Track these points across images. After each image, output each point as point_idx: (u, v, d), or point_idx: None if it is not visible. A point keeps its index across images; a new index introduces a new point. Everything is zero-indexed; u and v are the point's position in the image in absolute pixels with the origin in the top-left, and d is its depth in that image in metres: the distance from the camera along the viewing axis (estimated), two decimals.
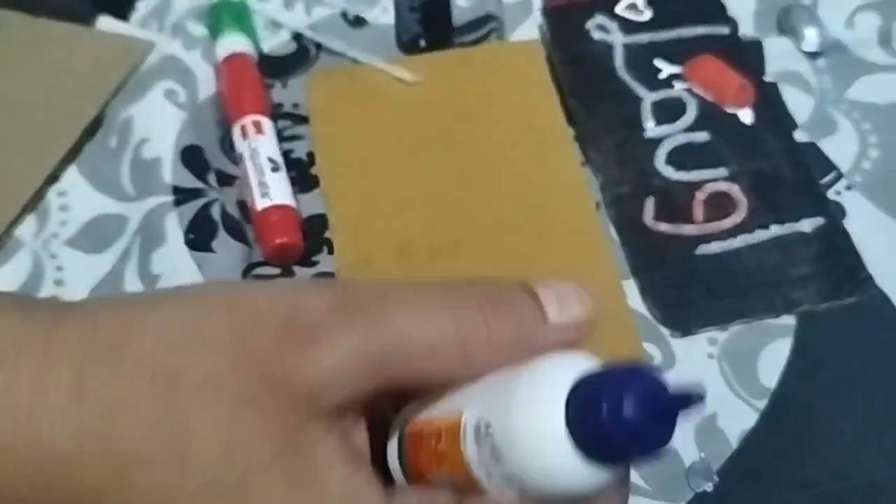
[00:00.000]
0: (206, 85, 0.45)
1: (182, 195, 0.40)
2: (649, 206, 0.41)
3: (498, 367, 0.22)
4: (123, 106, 0.44)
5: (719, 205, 0.41)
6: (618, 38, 0.46)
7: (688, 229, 0.40)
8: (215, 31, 0.46)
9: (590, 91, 0.44)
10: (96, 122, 0.44)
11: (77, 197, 0.42)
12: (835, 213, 0.41)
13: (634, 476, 0.33)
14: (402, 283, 0.24)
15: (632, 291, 0.39)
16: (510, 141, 0.42)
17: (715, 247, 0.39)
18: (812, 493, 0.33)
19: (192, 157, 0.42)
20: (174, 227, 0.39)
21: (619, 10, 0.47)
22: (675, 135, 0.43)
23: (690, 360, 0.36)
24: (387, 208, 0.39)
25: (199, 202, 0.40)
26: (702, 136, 0.43)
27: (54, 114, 0.44)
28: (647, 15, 0.47)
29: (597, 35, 0.46)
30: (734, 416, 0.35)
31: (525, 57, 0.45)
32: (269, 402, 0.20)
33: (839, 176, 0.42)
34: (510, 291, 0.23)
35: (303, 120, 0.44)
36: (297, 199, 0.40)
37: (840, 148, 0.43)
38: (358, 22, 0.48)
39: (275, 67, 0.46)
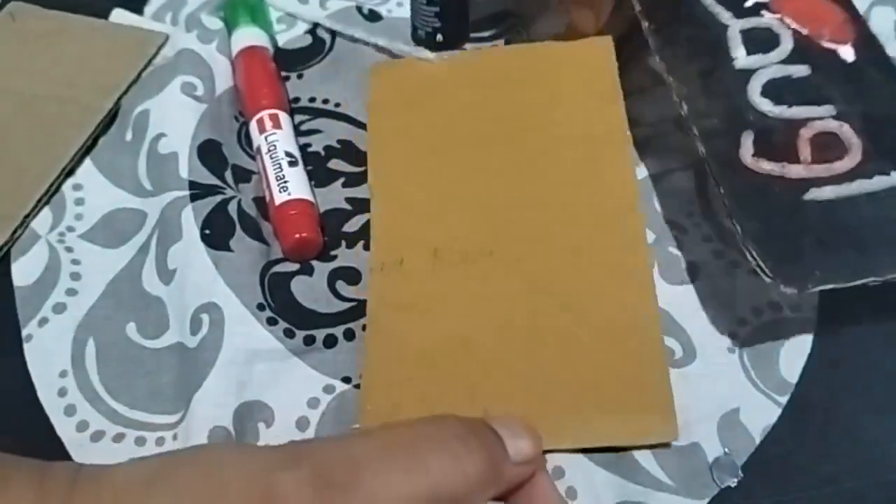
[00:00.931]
0: (223, 79, 0.45)
1: (198, 190, 0.40)
2: (747, 141, 0.36)
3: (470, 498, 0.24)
4: (139, 99, 0.43)
5: (829, 145, 0.36)
6: None
7: (795, 170, 0.35)
8: (231, 23, 0.46)
9: (667, 12, 0.39)
10: (112, 115, 0.44)
11: (93, 190, 0.42)
12: None
13: (658, 471, 0.32)
14: (370, 436, 0.26)
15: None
16: (564, 150, 0.39)
17: (829, 192, 0.34)
18: (835, 490, 0.33)
19: (209, 152, 0.41)
20: (189, 222, 0.39)
21: None
22: (770, 66, 0.38)
23: (710, 354, 0.36)
24: (426, 209, 0.38)
25: (216, 199, 0.40)
26: (801, 70, 0.38)
27: (69, 107, 0.44)
28: None
29: None
30: (756, 411, 0.34)
31: (593, 56, 0.41)
32: None
33: None
34: (481, 429, 0.26)
35: (320, 113, 0.44)
36: (315, 194, 0.40)
37: None
38: (373, 16, 0.48)
39: (290, 60, 0.46)
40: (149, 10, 0.48)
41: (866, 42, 0.39)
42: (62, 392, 0.36)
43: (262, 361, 0.36)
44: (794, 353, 0.36)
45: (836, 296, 0.37)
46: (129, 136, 0.43)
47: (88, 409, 0.35)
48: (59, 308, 0.38)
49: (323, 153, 0.42)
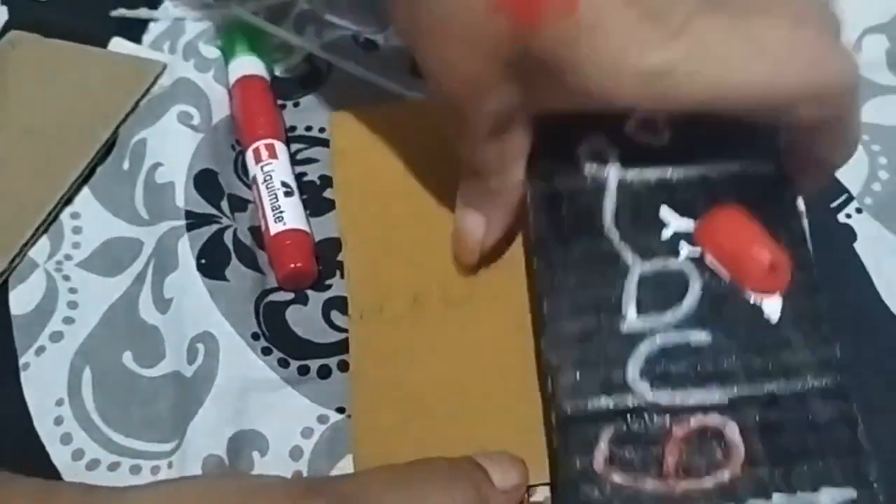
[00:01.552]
0: (220, 107, 0.45)
1: (194, 220, 0.40)
2: (603, 440, 0.29)
3: None
4: (137, 128, 0.44)
5: (704, 450, 0.28)
6: (614, 173, 0.33)
7: (650, 485, 0.28)
8: (228, 52, 0.46)
9: (561, 250, 0.32)
10: (109, 144, 0.44)
11: (90, 219, 0.42)
12: (876, 489, 0.28)
13: None
14: (374, 473, 0.30)
15: None
16: None
17: None
18: None
19: (205, 182, 0.42)
20: (186, 252, 0.39)
21: (630, 126, 0.33)
22: (662, 331, 0.30)
23: None
24: (402, 255, 0.38)
25: (212, 228, 0.40)
26: (700, 337, 0.30)
27: (67, 135, 0.44)
28: (664, 138, 0.33)
29: (587, 164, 0.33)
30: None
31: None
32: None
33: (850, 198, 0.42)
34: (466, 465, 0.30)
35: (316, 142, 0.44)
36: (310, 223, 0.41)
37: (849, 171, 0.43)
38: (369, 45, 0.48)
39: (287, 88, 0.47)
40: (147, 38, 0.49)
41: (801, 292, 0.31)
42: (58, 420, 0.36)
43: (256, 391, 0.36)
44: None
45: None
46: (126, 165, 0.43)
47: (84, 438, 0.36)
48: (57, 336, 0.38)
49: (318, 182, 0.43)
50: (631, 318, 0.30)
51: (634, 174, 0.33)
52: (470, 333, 0.36)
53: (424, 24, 0.30)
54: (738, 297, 0.31)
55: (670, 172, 0.33)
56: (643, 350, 0.30)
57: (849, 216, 0.42)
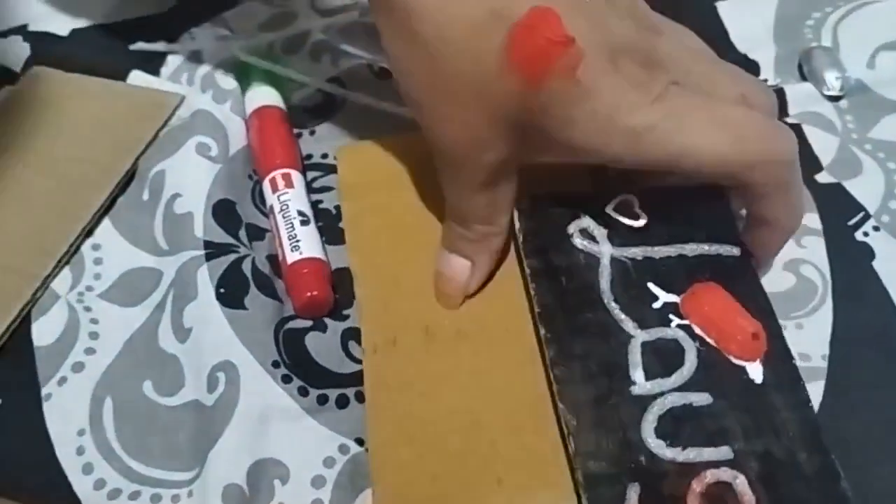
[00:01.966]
0: (237, 138, 0.46)
1: (213, 249, 0.41)
2: (632, 497, 0.31)
3: None
4: (156, 160, 0.45)
5: (721, 502, 0.31)
6: (606, 250, 0.36)
7: None
8: (244, 83, 0.47)
9: (566, 320, 0.35)
10: (129, 175, 0.45)
11: (111, 250, 0.42)
12: None
13: None
14: None
15: None
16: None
17: None
18: None
19: (223, 212, 0.42)
20: (205, 282, 0.40)
21: (610, 209, 0.37)
22: (668, 393, 0.33)
23: None
24: (413, 287, 0.38)
25: (231, 258, 0.41)
26: (702, 399, 0.33)
27: (88, 167, 0.45)
28: (641, 220, 0.37)
29: (580, 242, 0.36)
30: None
31: None
32: None
33: (867, 216, 0.42)
34: None
35: (332, 170, 0.45)
36: (326, 251, 0.41)
37: (866, 188, 0.43)
38: (384, 73, 0.49)
39: (303, 117, 0.47)
40: (165, 71, 0.50)
41: (777, 358, 0.34)
42: (80, 450, 0.36)
43: (276, 420, 0.36)
44: None
45: (847, 342, 0.38)
46: (146, 196, 0.44)
47: (105, 467, 0.36)
48: (78, 367, 0.39)
49: (334, 211, 0.43)
50: (640, 381, 0.33)
51: (622, 251, 0.37)
52: (482, 365, 0.36)
53: (431, 82, 0.33)
54: (726, 363, 0.34)
55: (652, 251, 0.37)
56: (655, 411, 0.33)
57: (866, 234, 0.42)
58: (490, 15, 0.31)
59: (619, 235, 0.37)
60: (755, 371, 0.34)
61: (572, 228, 0.37)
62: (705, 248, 0.37)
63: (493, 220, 0.36)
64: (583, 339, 0.34)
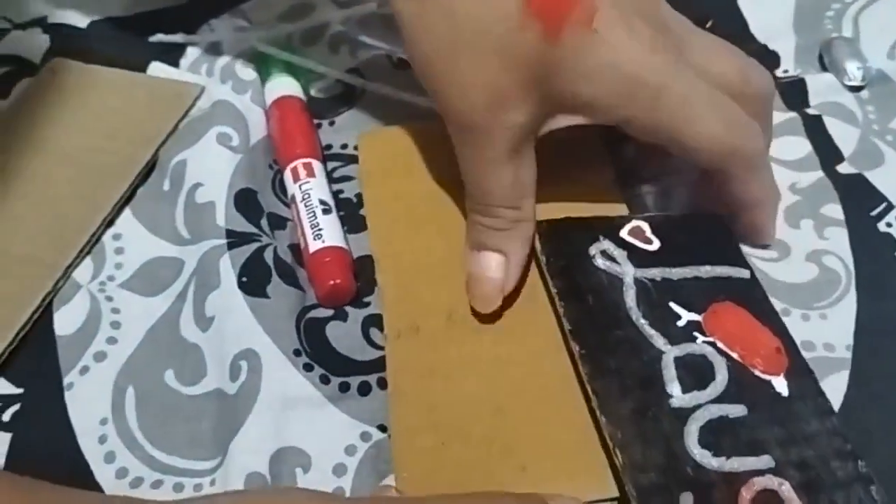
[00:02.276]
0: (257, 128, 0.46)
1: (235, 238, 0.41)
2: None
3: None
4: (176, 150, 0.45)
5: None
6: (628, 270, 0.37)
7: None
8: (264, 74, 0.47)
9: (597, 337, 0.35)
10: (150, 166, 0.45)
11: (132, 240, 0.43)
12: None
13: None
14: (437, 500, 0.28)
15: None
16: (566, 208, 0.39)
17: None
18: None
19: (245, 201, 0.42)
20: (227, 270, 0.40)
21: (624, 234, 0.38)
22: (706, 405, 0.33)
23: None
24: (435, 273, 0.38)
25: (253, 246, 0.41)
26: (738, 410, 0.33)
27: (108, 158, 0.45)
28: (655, 244, 0.38)
29: (602, 263, 0.37)
30: None
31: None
32: None
33: (889, 207, 0.42)
34: (534, 500, 0.27)
35: (352, 160, 0.45)
36: (348, 240, 0.41)
37: (888, 179, 0.43)
38: (402, 64, 0.49)
39: (323, 108, 0.47)
40: (185, 62, 0.50)
41: (798, 371, 0.35)
42: (102, 439, 0.36)
43: (298, 408, 0.36)
44: (830, 391, 0.36)
45: (871, 332, 0.38)
46: (166, 186, 0.44)
47: (128, 456, 0.36)
48: (100, 356, 0.39)
49: (355, 200, 0.43)
50: (678, 394, 0.34)
51: (643, 273, 0.38)
52: (504, 352, 0.36)
53: (450, 38, 0.33)
54: (754, 377, 0.35)
55: (670, 272, 0.38)
56: (696, 423, 0.33)
57: (889, 225, 0.41)
58: None
59: (639, 258, 0.38)
60: (780, 384, 0.35)
61: (593, 250, 0.38)
62: (718, 271, 0.38)
63: (520, 203, 0.36)
64: (616, 357, 0.35)
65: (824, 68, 0.48)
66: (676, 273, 0.37)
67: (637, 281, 0.37)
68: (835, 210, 0.42)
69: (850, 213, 0.42)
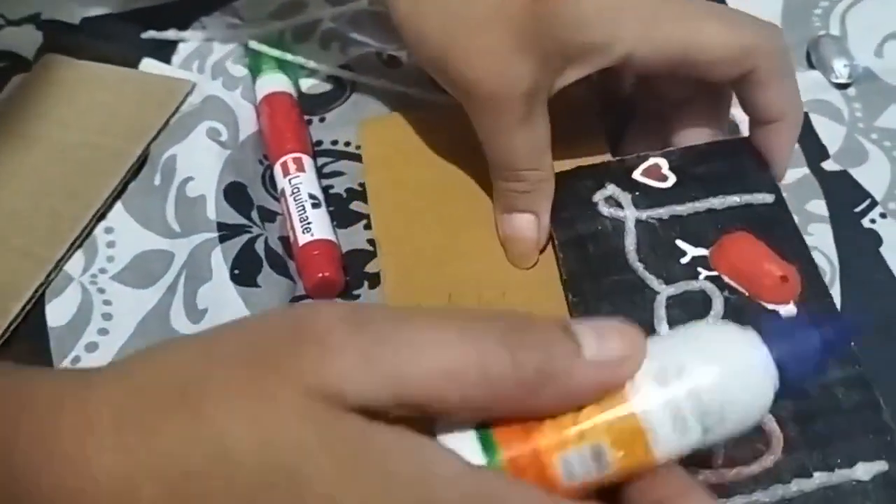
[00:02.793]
0: (247, 124, 0.46)
1: (227, 231, 0.41)
2: None
3: (530, 402, 0.21)
4: (167, 145, 0.45)
5: (747, 441, 0.31)
6: (630, 214, 0.37)
7: (703, 475, 0.31)
8: (255, 70, 0.48)
9: (591, 284, 0.36)
10: (141, 160, 0.45)
11: (123, 233, 0.43)
12: None
13: None
14: (423, 310, 0.24)
15: None
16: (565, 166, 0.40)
17: (739, 502, 0.30)
18: None
19: (235, 194, 0.43)
20: (219, 263, 0.40)
21: (638, 174, 0.39)
22: None
23: None
24: (435, 255, 0.39)
25: (244, 238, 0.41)
26: None
27: (100, 153, 0.45)
28: (670, 181, 0.38)
29: (605, 209, 0.38)
30: None
31: (576, 100, 0.41)
32: (291, 398, 0.21)
33: (873, 203, 0.43)
34: (540, 323, 0.23)
35: (342, 155, 0.45)
36: (337, 234, 0.41)
37: (872, 176, 0.44)
38: (392, 61, 0.49)
39: (312, 104, 0.48)
40: (176, 59, 0.50)
41: (813, 297, 0.35)
42: None
43: None
44: None
45: None
46: (157, 181, 0.44)
47: None
48: (92, 347, 0.39)
49: (345, 195, 0.44)
50: (664, 332, 0.34)
51: (649, 213, 0.38)
52: None
53: (453, 12, 0.34)
54: (757, 308, 0.35)
55: (679, 209, 0.38)
56: None
57: (873, 221, 0.42)
58: None
59: (646, 198, 0.38)
60: (789, 312, 0.35)
61: (597, 197, 0.38)
62: (736, 200, 0.37)
63: (540, 163, 0.37)
64: (609, 301, 0.35)
65: (811, 66, 0.49)
66: (687, 209, 0.38)
67: (641, 223, 0.37)
68: (819, 206, 0.43)
69: (835, 210, 0.42)
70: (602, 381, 0.22)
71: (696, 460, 0.28)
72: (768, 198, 0.38)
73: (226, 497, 0.21)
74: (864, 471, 0.31)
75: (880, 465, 0.31)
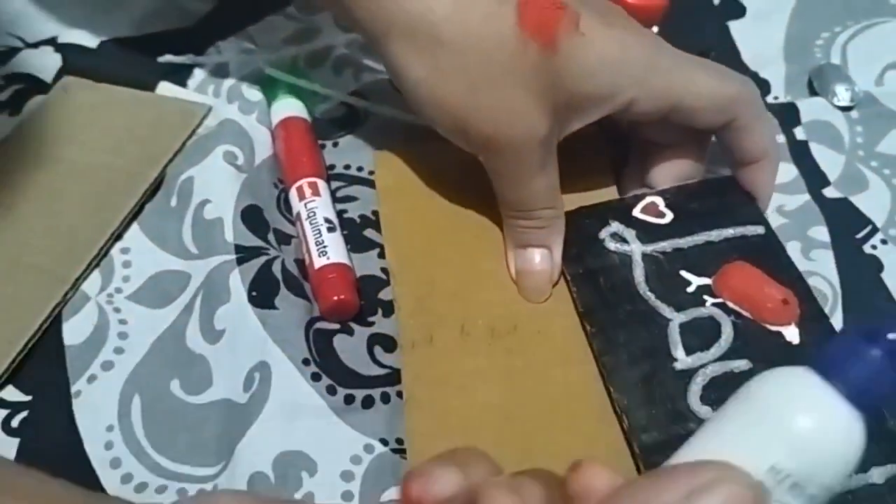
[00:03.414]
0: (263, 147, 0.47)
1: (244, 253, 0.42)
2: None
3: None
4: (183, 167, 0.46)
5: None
6: (636, 248, 0.40)
7: None
8: (270, 95, 0.49)
9: (607, 314, 0.38)
10: (157, 182, 0.46)
11: (139, 254, 0.44)
12: None
13: None
14: None
15: None
16: (573, 200, 0.42)
17: None
18: None
19: (252, 217, 0.43)
20: (237, 285, 0.41)
21: (637, 212, 0.41)
22: (709, 364, 0.36)
23: None
24: (449, 287, 0.40)
25: (261, 260, 0.42)
26: (741, 365, 0.36)
27: (117, 174, 0.46)
28: (667, 217, 0.41)
29: (612, 245, 0.40)
30: None
31: (587, 140, 0.42)
32: None
33: (874, 230, 0.43)
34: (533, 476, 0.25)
35: (355, 180, 0.46)
36: (351, 258, 0.42)
37: (873, 203, 0.45)
38: None
39: (327, 129, 0.49)
40: (192, 83, 0.51)
41: (811, 318, 0.37)
42: (108, 445, 0.37)
43: (304, 417, 0.37)
44: None
45: None
46: (173, 203, 0.45)
47: (133, 462, 0.37)
48: (108, 366, 0.40)
49: (358, 220, 0.44)
50: (682, 357, 0.36)
51: (653, 247, 0.40)
52: (516, 363, 0.38)
53: (468, 81, 0.36)
54: (762, 330, 0.37)
55: (680, 242, 0.40)
56: (698, 382, 0.36)
57: (874, 247, 0.43)
58: (497, 3, 0.36)
59: (648, 234, 0.41)
60: (791, 333, 0.37)
61: (603, 234, 0.41)
62: (730, 232, 0.40)
63: (555, 202, 0.39)
64: (625, 330, 0.38)
65: (813, 93, 0.50)
66: (687, 242, 0.40)
67: (647, 257, 0.40)
68: (821, 232, 0.44)
69: (836, 236, 0.43)
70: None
71: None
72: (759, 229, 0.41)
73: None
74: (879, 474, 0.33)
75: (893, 469, 0.33)
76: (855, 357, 0.22)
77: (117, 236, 0.44)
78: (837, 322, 0.40)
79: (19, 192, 0.45)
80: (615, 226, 0.41)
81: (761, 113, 0.41)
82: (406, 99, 0.39)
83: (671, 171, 0.42)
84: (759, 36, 0.53)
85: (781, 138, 0.47)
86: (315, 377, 0.38)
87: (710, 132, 0.41)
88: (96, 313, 0.42)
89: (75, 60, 0.52)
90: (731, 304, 0.38)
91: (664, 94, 0.38)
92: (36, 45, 0.53)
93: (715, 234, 0.40)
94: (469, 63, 0.36)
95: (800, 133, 0.48)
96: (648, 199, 0.42)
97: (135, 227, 0.45)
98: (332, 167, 0.47)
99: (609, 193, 0.44)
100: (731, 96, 0.39)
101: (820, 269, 0.42)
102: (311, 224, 0.42)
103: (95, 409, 0.38)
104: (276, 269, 0.42)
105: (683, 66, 0.39)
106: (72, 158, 0.47)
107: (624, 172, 0.45)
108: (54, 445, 0.38)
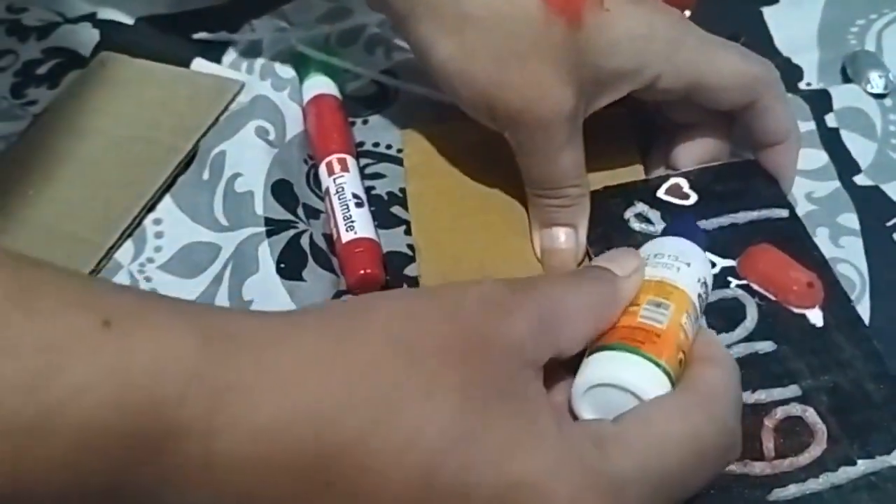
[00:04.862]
0: (294, 124, 0.48)
1: (273, 226, 0.43)
2: None
3: (610, 316, 0.31)
4: (216, 141, 0.46)
5: (794, 434, 0.34)
6: (661, 229, 0.40)
7: (759, 467, 0.33)
8: (302, 73, 0.49)
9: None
10: (190, 156, 0.47)
11: (171, 225, 0.45)
12: None
13: None
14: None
15: None
16: (599, 179, 0.42)
17: (793, 490, 0.32)
18: None
19: (281, 191, 0.44)
20: (266, 257, 0.41)
21: (661, 193, 0.41)
22: (734, 345, 0.36)
23: None
24: (474, 266, 0.40)
25: (290, 233, 0.43)
26: (766, 346, 0.36)
27: (152, 147, 0.47)
28: (692, 198, 0.41)
29: (637, 225, 0.40)
30: None
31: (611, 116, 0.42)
32: (482, 359, 0.27)
33: None
34: (588, 269, 0.33)
35: (383, 158, 0.47)
36: (378, 234, 0.43)
37: None
38: None
39: (357, 107, 0.49)
40: (227, 59, 0.52)
41: (835, 301, 0.37)
42: None
43: None
44: None
45: (884, 339, 0.38)
46: (206, 176, 0.46)
47: None
48: None
49: (386, 197, 0.45)
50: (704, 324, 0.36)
51: None
52: None
53: (495, 55, 0.36)
54: (787, 313, 0.37)
55: (705, 224, 0.40)
56: None
57: None
58: None
59: (672, 215, 0.40)
60: (815, 316, 0.37)
61: (628, 214, 0.41)
62: (755, 215, 0.40)
63: (580, 180, 0.40)
64: None
65: (847, 80, 0.49)
66: (712, 223, 0.40)
67: None
68: (851, 220, 0.43)
69: (866, 224, 0.43)
70: (633, 287, 0.32)
71: (750, 454, 0.33)
72: (783, 212, 0.41)
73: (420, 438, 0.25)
74: None
75: None
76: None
77: (150, 207, 0.45)
78: (865, 309, 0.40)
79: (56, 163, 0.46)
80: (640, 206, 0.41)
81: (783, 95, 0.41)
82: (433, 77, 0.39)
83: (695, 152, 0.42)
84: (793, 22, 0.53)
85: (812, 125, 0.47)
86: None
87: (732, 113, 0.41)
88: (128, 282, 0.42)
89: (113, 36, 0.53)
90: (755, 286, 0.38)
91: (689, 71, 0.38)
92: (75, 21, 0.54)
93: (740, 216, 0.40)
94: (496, 40, 0.36)
95: (831, 120, 0.47)
96: (673, 181, 0.42)
97: (167, 198, 0.45)
98: (361, 144, 0.47)
99: (635, 173, 0.43)
100: (754, 75, 0.39)
101: (849, 256, 0.42)
102: (339, 199, 0.42)
103: None
104: (305, 242, 0.42)
105: (708, 46, 0.39)
106: (107, 131, 0.48)
107: (649, 154, 0.45)
108: None
